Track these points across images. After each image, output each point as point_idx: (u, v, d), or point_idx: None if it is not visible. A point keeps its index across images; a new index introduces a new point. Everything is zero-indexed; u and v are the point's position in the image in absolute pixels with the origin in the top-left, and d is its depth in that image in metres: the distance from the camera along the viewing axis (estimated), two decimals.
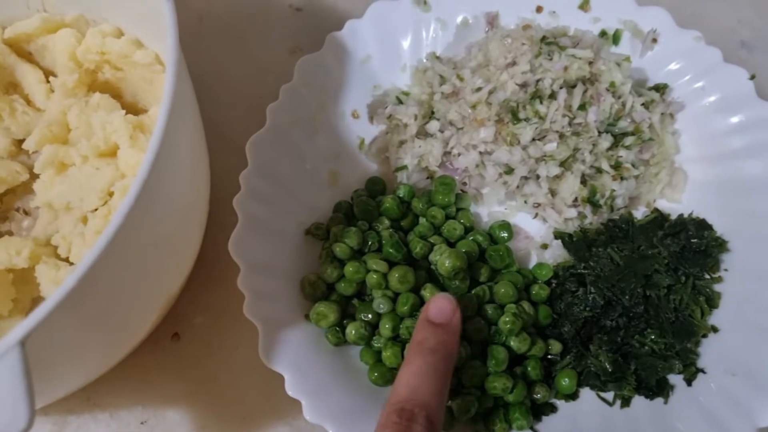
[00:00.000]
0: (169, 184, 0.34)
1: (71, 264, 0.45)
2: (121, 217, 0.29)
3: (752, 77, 0.48)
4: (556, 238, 0.48)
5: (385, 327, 0.42)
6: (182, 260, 0.42)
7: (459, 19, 0.52)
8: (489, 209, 0.50)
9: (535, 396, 0.43)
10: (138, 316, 0.39)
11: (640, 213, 0.49)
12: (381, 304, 0.43)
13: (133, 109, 0.50)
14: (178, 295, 0.45)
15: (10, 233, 0.48)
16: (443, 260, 0.42)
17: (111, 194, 0.45)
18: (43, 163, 0.45)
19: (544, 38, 0.48)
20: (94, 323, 0.33)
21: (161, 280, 0.40)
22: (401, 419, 0.33)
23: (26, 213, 0.49)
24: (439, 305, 0.38)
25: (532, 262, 0.48)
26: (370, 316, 0.43)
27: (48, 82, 0.49)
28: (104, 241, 0.28)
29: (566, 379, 0.43)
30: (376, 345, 0.43)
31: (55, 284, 0.44)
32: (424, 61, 0.52)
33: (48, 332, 0.28)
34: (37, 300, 0.46)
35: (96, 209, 0.45)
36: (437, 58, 0.52)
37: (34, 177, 0.47)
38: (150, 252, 0.35)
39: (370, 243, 0.44)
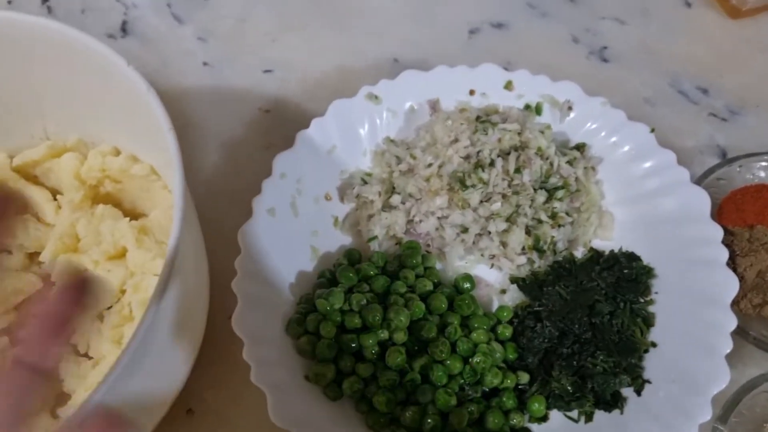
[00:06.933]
0: (181, 280, 0.41)
1: (90, 358, 0.50)
2: (148, 315, 0.35)
3: (652, 130, 0.58)
4: (512, 282, 0.56)
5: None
6: (192, 343, 0.48)
7: (406, 106, 0.61)
8: (452, 265, 0.57)
9: (512, 422, 0.49)
10: (159, 398, 0.45)
11: (579, 253, 0.57)
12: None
13: (131, 214, 0.57)
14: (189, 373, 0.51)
15: None
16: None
17: (123, 292, 0.51)
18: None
19: (478, 117, 0.58)
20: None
21: (176, 363, 0.46)
22: None
23: None
24: None
25: (494, 306, 0.55)
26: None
27: (55, 199, 0.56)
28: (132, 343, 0.35)
29: (536, 404, 0.50)
30: (369, 395, 0.49)
31: (76, 378, 0.49)
32: (381, 144, 0.61)
33: None
34: (60, 396, 0.50)
35: (110, 306, 0.51)
36: (392, 141, 0.60)
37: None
38: (168, 339, 0.42)
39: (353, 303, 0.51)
